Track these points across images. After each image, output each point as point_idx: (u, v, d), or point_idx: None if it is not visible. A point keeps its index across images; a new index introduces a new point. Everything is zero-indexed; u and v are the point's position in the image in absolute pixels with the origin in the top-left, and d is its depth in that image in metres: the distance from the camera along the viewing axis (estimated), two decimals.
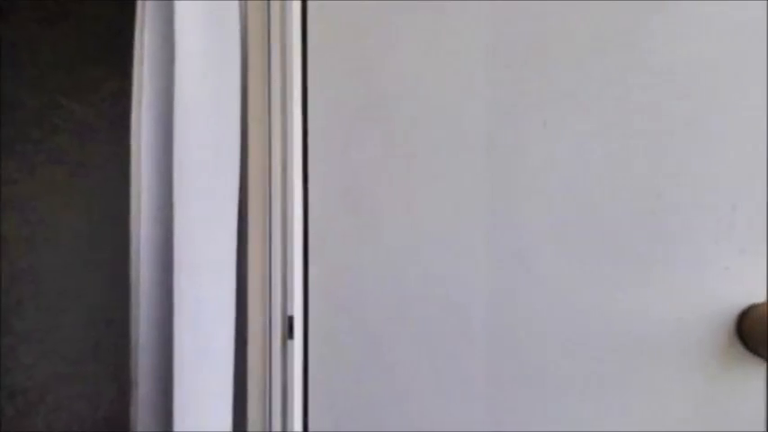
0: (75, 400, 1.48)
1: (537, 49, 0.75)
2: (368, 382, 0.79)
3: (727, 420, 0.71)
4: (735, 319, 0.71)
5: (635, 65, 0.73)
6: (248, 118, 0.80)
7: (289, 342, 0.78)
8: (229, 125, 0.80)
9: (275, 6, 0.79)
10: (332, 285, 0.79)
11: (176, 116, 0.80)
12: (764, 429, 0.70)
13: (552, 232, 0.76)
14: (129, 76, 0.83)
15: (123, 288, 0.83)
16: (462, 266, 0.77)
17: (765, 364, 0.70)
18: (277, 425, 0.77)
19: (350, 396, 0.79)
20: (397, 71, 0.79)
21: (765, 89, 0.70)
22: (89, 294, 1.50)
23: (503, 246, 0.77)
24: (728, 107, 0.71)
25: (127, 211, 0.82)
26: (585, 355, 0.75)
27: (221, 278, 0.80)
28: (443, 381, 0.78)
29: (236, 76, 0.80)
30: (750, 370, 0.71)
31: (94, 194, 1.50)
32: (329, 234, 0.79)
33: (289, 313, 0.78)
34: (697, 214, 0.72)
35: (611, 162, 0.74)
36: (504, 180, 0.77)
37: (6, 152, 1.54)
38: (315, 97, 0.79)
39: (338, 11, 0.79)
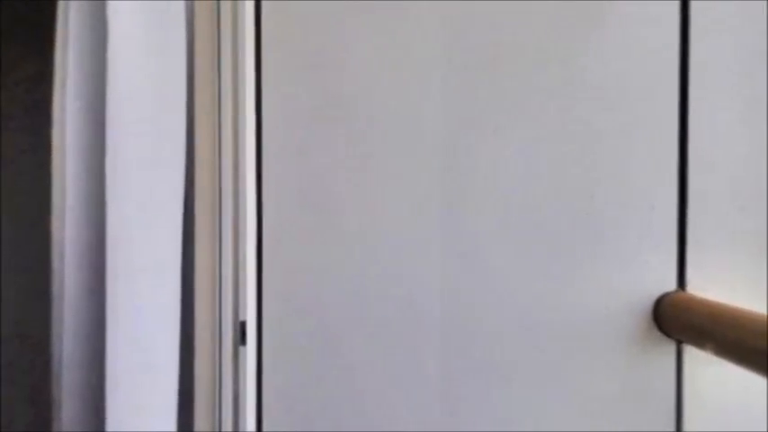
0: None
1: (488, 60, 0.79)
2: (324, 384, 0.77)
3: (646, 392, 0.81)
4: (652, 306, 0.82)
5: (572, 80, 0.81)
6: (195, 109, 0.75)
7: (241, 349, 0.74)
8: (173, 117, 0.74)
9: (226, 6, 0.75)
10: (287, 287, 0.76)
11: (109, 105, 0.72)
12: (675, 398, 0.81)
13: (499, 232, 0.81)
14: (48, 57, 0.73)
15: (42, 298, 0.73)
16: (417, 266, 0.79)
17: (675, 345, 0.81)
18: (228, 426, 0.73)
19: (306, 399, 0.76)
20: (354, 72, 0.79)
21: (677, 106, 0.81)
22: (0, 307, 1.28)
23: (455, 245, 0.80)
24: (647, 119, 0.81)
25: (47, 211, 0.72)
26: (528, 345, 0.81)
27: (163, 283, 0.73)
28: (399, 379, 0.79)
29: (182, 64, 0.74)
30: (664, 350, 0.81)
31: (6, 191, 1.28)
32: (284, 234, 0.77)
33: (241, 318, 0.74)
34: (622, 214, 0.81)
35: (552, 166, 0.81)
36: (457, 182, 0.80)
37: None
38: (269, 96, 0.76)
39: (293, 11, 0.77)
